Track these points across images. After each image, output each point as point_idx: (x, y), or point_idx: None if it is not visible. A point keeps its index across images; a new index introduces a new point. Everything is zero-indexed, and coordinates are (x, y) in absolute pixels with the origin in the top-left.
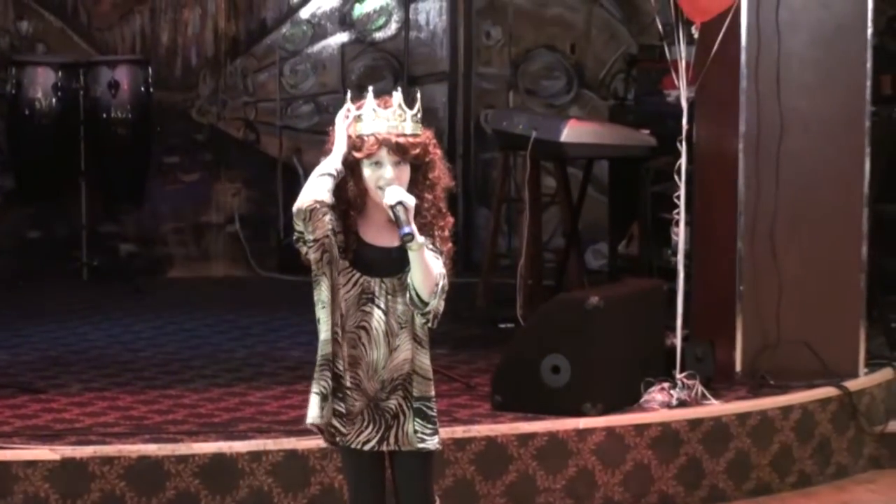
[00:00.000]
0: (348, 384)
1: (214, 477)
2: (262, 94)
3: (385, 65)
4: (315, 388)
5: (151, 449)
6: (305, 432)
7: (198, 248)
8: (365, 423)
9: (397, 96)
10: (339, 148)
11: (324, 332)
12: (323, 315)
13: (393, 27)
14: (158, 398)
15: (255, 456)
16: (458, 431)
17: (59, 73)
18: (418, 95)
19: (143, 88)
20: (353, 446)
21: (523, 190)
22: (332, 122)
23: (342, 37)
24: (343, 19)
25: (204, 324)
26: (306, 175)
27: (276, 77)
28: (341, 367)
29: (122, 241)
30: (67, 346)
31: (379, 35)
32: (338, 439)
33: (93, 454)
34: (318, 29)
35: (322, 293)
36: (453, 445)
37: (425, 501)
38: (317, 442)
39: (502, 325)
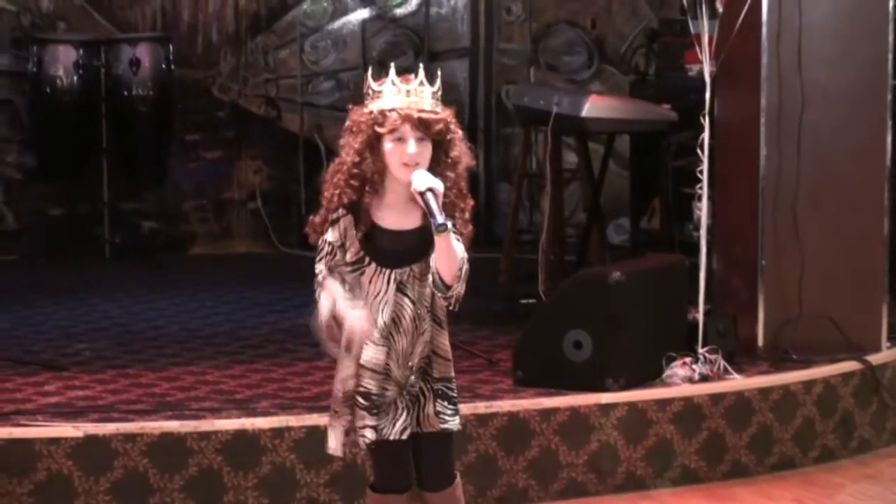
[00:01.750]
0: (376, 389)
1: (237, 453)
2: (283, 70)
3: (406, 41)
4: (334, 422)
5: (174, 426)
6: (327, 409)
7: (219, 225)
8: (399, 412)
9: (419, 73)
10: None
11: (346, 367)
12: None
13: (414, 3)
14: (181, 375)
15: (278, 432)
16: (481, 407)
17: (81, 51)
18: (439, 73)
19: (164, 66)
20: (391, 438)
21: (545, 165)
22: (352, 99)
23: (363, 13)
24: None
25: (226, 300)
26: (328, 151)
27: (297, 53)
28: (373, 382)
29: (143, 218)
30: (89, 323)
31: (400, 11)
32: (369, 443)
33: (115, 431)
34: (338, 5)
35: None
36: (475, 421)
37: (447, 480)
38: None
39: (524, 301)
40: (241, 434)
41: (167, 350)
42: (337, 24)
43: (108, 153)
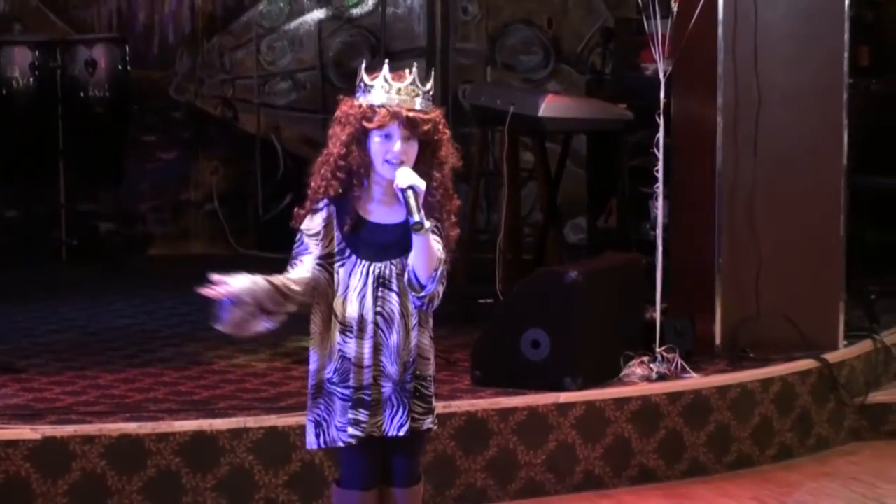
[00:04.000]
0: (367, 380)
1: (195, 455)
2: (240, 71)
3: (362, 41)
4: (309, 416)
5: (132, 427)
6: (286, 409)
7: (177, 226)
8: (396, 408)
9: (413, 71)
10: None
11: (313, 361)
12: (312, 347)
13: (370, 3)
14: (138, 376)
15: (236, 433)
16: (439, 407)
17: (36, 53)
18: (432, 73)
19: (120, 67)
20: (390, 434)
21: (502, 165)
22: (309, 99)
23: (319, 13)
24: None
25: (183, 301)
26: (285, 152)
27: (254, 54)
28: (352, 376)
29: (100, 219)
30: (47, 325)
31: (356, 11)
32: (353, 435)
33: (73, 433)
34: (295, 5)
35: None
36: None
37: (413, 478)
38: (297, 419)
39: (481, 301)
40: (199, 435)
41: (125, 351)
42: (293, 24)
43: (65, 154)
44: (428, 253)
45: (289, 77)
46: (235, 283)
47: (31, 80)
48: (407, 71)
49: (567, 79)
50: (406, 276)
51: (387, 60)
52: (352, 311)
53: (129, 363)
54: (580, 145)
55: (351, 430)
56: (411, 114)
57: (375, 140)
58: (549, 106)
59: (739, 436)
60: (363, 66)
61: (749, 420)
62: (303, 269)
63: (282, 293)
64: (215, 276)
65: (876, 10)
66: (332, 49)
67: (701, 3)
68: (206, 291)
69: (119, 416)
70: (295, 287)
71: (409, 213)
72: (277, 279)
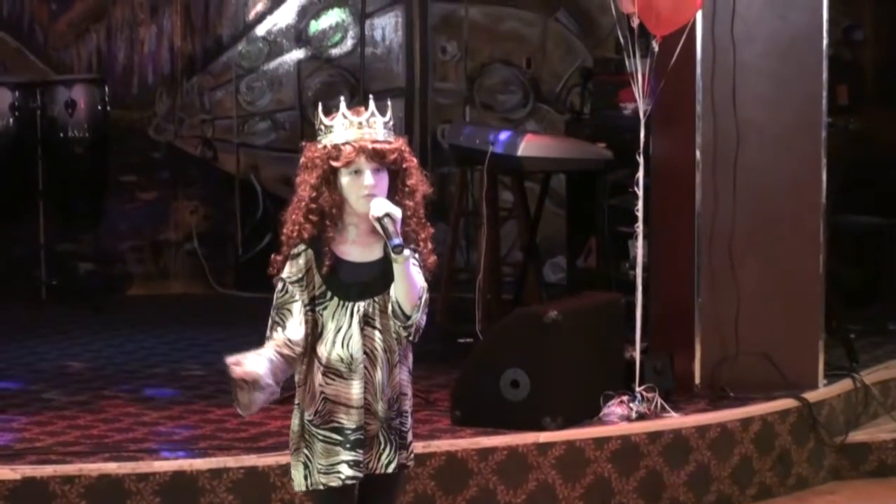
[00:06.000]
0: (359, 420)
1: (175, 495)
2: (219, 111)
3: (341, 81)
4: (296, 458)
5: (112, 467)
6: (265, 449)
7: (156, 266)
8: (383, 445)
9: (370, 104)
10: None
11: (296, 416)
12: (297, 388)
13: (349, 43)
14: (119, 416)
15: (216, 473)
16: (418, 447)
17: (16, 93)
18: (389, 103)
19: (99, 107)
20: (377, 472)
21: (481, 205)
22: (288, 139)
23: (298, 53)
24: (299, 36)
25: (163, 341)
26: (264, 192)
27: (233, 94)
28: (343, 417)
29: (80, 260)
30: (27, 365)
31: (335, 51)
32: (353, 476)
33: (53, 473)
34: (274, 46)
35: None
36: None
37: None
38: (276, 459)
39: (461, 340)
40: (179, 475)
41: (105, 392)
42: (272, 64)
43: (44, 195)
44: (410, 282)
45: (268, 117)
46: (253, 366)
47: (11, 120)
48: (364, 106)
49: (546, 118)
50: (391, 309)
51: (342, 98)
52: (338, 352)
53: (108, 403)
54: (559, 185)
55: (350, 472)
56: (377, 145)
57: (346, 178)
58: (528, 146)
59: (719, 475)
60: (320, 109)
61: (729, 460)
62: (296, 321)
63: (289, 361)
64: (232, 359)
65: (854, 49)
66: (311, 89)
67: (681, 43)
68: (234, 372)
69: (99, 456)
70: (298, 348)
71: (388, 237)
72: (282, 345)
